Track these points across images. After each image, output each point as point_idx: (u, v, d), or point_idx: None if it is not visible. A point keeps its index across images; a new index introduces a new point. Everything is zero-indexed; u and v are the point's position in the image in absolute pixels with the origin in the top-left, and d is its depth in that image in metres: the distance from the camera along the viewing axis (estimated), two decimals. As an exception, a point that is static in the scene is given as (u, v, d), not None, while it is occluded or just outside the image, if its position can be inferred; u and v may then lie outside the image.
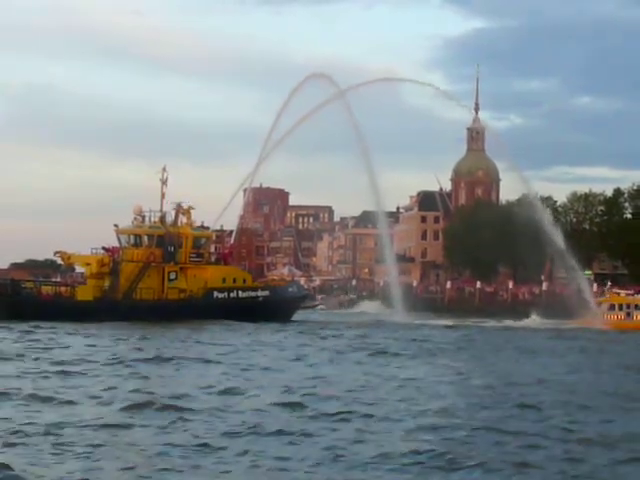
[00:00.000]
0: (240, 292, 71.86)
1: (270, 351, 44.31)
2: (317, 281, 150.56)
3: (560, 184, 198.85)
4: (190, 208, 73.12)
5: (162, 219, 72.14)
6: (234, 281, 72.84)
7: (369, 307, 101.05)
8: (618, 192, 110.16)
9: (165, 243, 70.31)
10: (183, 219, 72.81)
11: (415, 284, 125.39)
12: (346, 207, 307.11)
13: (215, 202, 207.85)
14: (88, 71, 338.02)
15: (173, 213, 72.53)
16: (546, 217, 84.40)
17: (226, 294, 71.14)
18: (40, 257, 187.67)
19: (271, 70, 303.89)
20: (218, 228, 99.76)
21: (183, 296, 70.05)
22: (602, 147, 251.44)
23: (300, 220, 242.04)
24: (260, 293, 73.36)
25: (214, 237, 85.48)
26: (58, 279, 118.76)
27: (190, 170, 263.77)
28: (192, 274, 70.98)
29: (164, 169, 72.11)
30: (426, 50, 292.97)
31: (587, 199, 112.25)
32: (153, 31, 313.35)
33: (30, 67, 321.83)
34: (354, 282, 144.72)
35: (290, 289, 78.08)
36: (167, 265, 70.18)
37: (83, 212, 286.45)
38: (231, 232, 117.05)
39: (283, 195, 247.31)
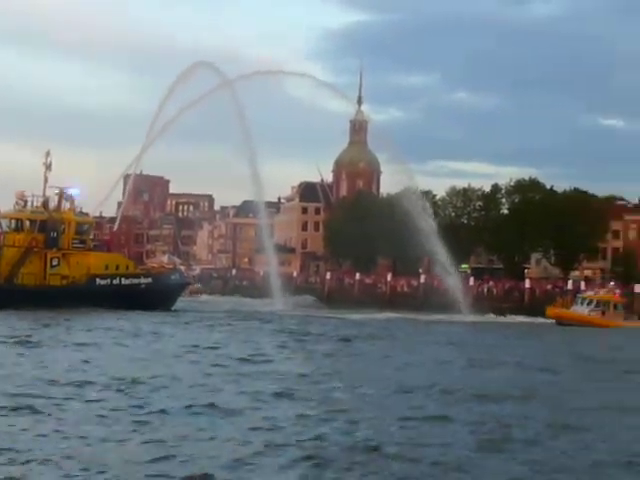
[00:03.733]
0: (123, 279, 71.46)
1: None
2: (197, 270, 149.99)
3: (437, 178, 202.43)
4: (73, 193, 72.46)
5: (45, 204, 71.21)
6: (117, 268, 72.39)
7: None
8: (496, 188, 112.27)
9: (47, 228, 69.42)
10: (66, 205, 72.05)
11: (295, 274, 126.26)
12: (227, 196, 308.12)
13: (95, 188, 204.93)
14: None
15: (56, 198, 71.72)
16: (423, 212, 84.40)
17: (109, 281, 70.67)
18: None
19: (157, 56, 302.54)
20: (97, 215, 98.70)
21: (65, 282, 69.24)
22: (477, 142, 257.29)
23: (180, 208, 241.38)
24: (143, 280, 73.03)
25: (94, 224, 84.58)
26: None
27: (70, 155, 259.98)
28: (75, 260, 70.21)
29: (48, 153, 70.99)
30: (307, 41, 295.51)
31: (465, 194, 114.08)
32: (42, 13, 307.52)
33: None
34: (234, 271, 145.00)
35: (173, 277, 77.99)
36: (49, 251, 69.31)
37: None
38: (111, 219, 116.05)
39: (163, 183, 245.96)
